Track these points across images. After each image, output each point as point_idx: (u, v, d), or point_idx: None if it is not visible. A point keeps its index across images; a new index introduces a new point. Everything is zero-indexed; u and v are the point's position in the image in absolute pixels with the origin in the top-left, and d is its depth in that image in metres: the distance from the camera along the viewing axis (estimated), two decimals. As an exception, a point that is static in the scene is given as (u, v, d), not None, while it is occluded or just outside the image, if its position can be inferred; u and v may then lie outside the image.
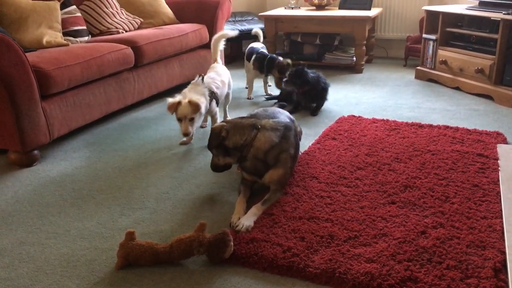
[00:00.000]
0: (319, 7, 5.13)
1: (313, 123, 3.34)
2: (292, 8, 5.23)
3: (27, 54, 2.69)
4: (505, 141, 2.90)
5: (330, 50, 5.00)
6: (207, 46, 4.32)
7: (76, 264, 1.84)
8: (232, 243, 1.80)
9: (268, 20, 4.96)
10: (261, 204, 2.14)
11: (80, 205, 2.28)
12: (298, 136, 2.55)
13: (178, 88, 4.21)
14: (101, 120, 3.45)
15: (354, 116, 3.42)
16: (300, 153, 2.66)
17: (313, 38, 4.98)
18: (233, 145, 2.25)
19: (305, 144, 2.89)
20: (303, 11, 5.04)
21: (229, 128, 2.26)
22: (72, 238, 2.01)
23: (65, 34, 3.45)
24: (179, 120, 2.77)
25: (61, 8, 3.48)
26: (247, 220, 2.01)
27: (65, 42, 3.33)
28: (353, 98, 3.95)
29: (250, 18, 5.50)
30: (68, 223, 2.13)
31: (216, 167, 2.38)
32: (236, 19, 5.41)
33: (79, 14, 3.67)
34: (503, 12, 3.61)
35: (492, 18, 3.71)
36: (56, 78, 2.78)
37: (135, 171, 2.64)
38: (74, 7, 3.64)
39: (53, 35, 3.27)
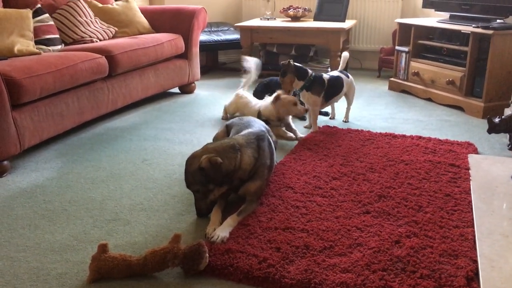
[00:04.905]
0: (294, 18, 5.17)
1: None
2: (268, 19, 5.26)
3: (-3, 62, 2.64)
4: (475, 151, 2.96)
5: (306, 61, 5.04)
6: (182, 56, 4.31)
7: (47, 278, 1.79)
8: (207, 255, 1.78)
9: (243, 30, 4.97)
10: (236, 215, 2.12)
11: (51, 217, 2.23)
12: (273, 145, 2.54)
13: (153, 98, 4.21)
14: (74, 130, 3.39)
15: (329, 126, 3.44)
16: (275, 163, 2.66)
17: (288, 49, 5.01)
18: (226, 172, 2.15)
19: (280, 155, 2.90)
20: (278, 22, 5.07)
21: (216, 155, 2.13)
22: (43, 251, 1.96)
23: (37, 42, 3.39)
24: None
25: (34, 16, 3.41)
26: (222, 231, 2.00)
27: (37, 50, 3.28)
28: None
29: (226, 28, 5.51)
30: (38, 235, 2.08)
31: (212, 204, 2.20)
32: (212, 29, 5.41)
33: (51, 23, 3.61)
34: (473, 25, 3.70)
35: (462, 31, 3.80)
36: (28, 87, 2.72)
37: (108, 182, 2.60)
38: (46, 15, 3.59)
39: (24, 44, 3.21)
